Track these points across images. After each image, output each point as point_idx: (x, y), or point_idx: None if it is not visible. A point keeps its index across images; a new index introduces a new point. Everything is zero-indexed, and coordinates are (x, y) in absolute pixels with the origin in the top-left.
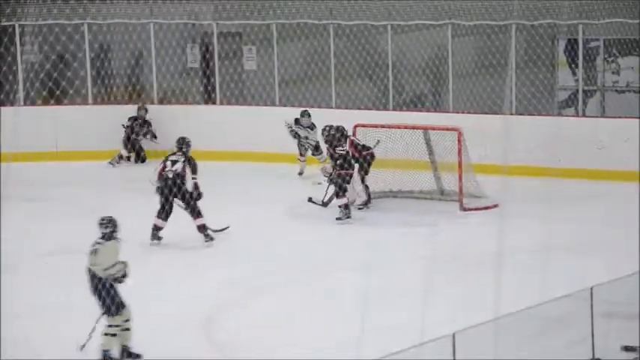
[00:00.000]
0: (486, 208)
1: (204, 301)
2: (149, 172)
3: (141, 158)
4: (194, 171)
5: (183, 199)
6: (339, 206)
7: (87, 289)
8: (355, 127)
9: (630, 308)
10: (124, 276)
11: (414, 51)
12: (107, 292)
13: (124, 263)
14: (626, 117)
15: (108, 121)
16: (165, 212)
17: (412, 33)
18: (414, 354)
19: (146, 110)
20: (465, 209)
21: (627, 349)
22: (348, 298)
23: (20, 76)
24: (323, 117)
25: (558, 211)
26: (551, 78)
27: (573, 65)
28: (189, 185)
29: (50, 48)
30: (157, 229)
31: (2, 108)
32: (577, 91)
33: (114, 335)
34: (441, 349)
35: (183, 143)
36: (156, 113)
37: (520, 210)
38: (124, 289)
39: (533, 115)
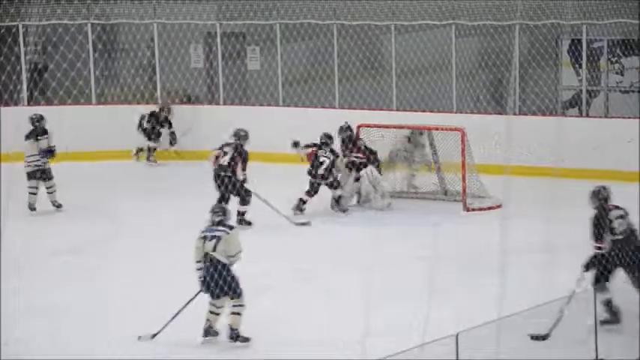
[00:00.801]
0: (490, 208)
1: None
2: (156, 173)
3: (154, 159)
4: (244, 163)
5: (228, 189)
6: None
7: (88, 289)
8: (359, 127)
9: (633, 308)
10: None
11: (418, 51)
12: (232, 277)
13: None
14: (629, 117)
15: (116, 121)
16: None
17: (415, 33)
18: (417, 354)
19: (169, 111)
20: (468, 209)
21: (534, 338)
22: (350, 297)
23: (24, 76)
24: (326, 117)
25: (562, 212)
26: (554, 78)
27: (577, 65)
28: (239, 175)
29: (54, 48)
30: None
31: (5, 108)
32: (581, 91)
33: (239, 314)
34: (444, 349)
35: (237, 135)
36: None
37: (523, 210)
38: (124, 287)
39: (537, 115)
